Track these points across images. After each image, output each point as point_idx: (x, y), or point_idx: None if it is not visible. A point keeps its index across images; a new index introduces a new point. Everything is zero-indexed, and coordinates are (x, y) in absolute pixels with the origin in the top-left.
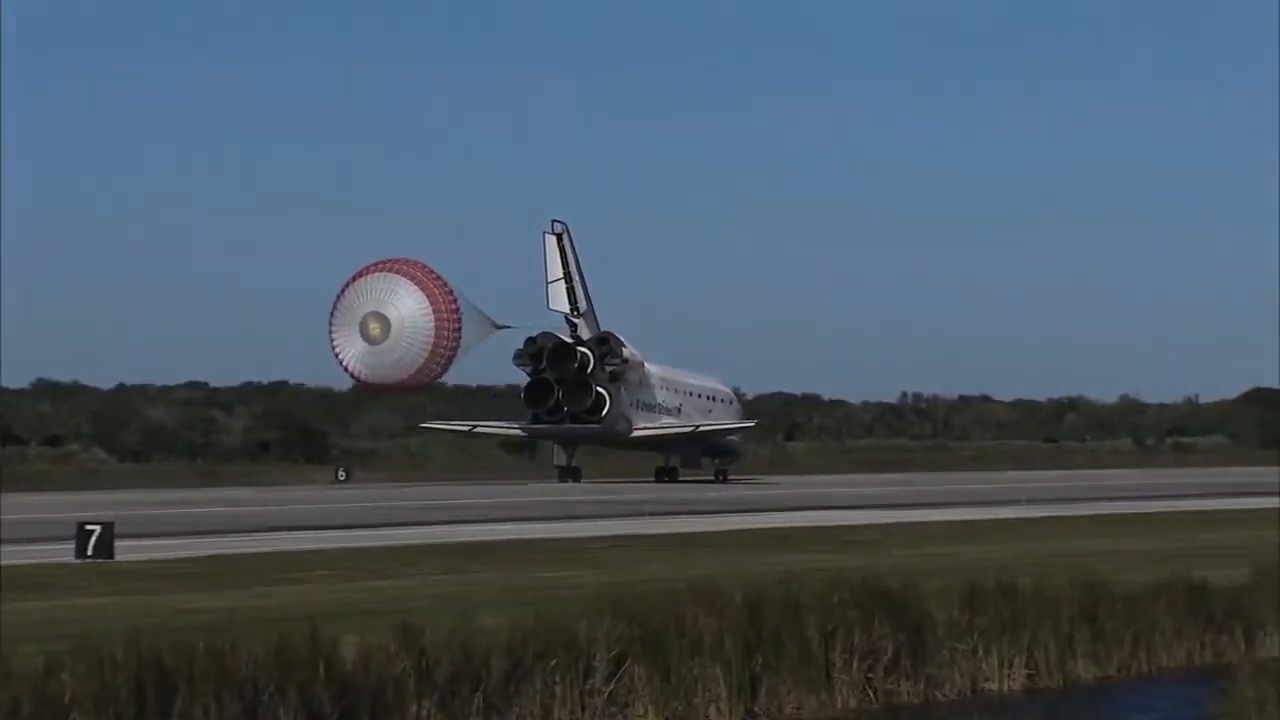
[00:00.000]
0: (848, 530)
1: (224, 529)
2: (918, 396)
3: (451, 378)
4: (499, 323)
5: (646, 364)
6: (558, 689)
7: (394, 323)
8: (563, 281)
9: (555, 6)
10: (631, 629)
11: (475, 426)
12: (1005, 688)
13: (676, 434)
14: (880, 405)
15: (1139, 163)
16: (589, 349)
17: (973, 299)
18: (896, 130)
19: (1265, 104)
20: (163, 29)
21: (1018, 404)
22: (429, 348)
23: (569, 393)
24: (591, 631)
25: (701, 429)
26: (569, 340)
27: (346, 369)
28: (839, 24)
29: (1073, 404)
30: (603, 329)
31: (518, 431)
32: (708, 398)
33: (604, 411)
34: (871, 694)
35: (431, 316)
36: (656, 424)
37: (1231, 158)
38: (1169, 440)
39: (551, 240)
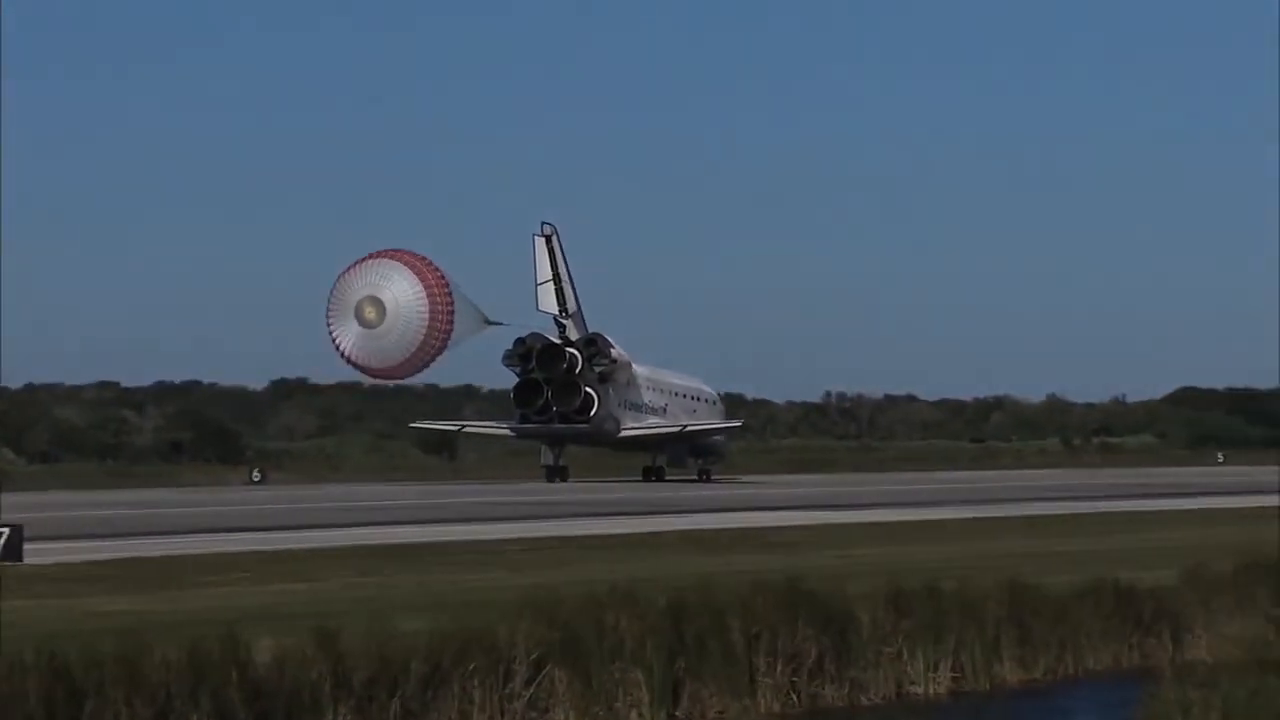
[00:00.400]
0: (773, 532)
1: (137, 531)
2: (842, 396)
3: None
4: (491, 319)
5: (634, 365)
6: (476, 694)
7: (389, 305)
8: (551, 283)
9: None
10: (551, 632)
11: (464, 426)
12: (931, 691)
13: (664, 434)
14: (805, 405)
15: (1062, 161)
16: (577, 350)
17: (898, 297)
18: (822, 127)
19: (1186, 105)
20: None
21: (943, 403)
22: (424, 330)
23: (558, 393)
24: (511, 635)
25: (689, 429)
26: (557, 341)
27: (345, 356)
28: (807, 39)
29: (999, 403)
30: (590, 330)
31: (506, 431)
32: (692, 398)
33: (592, 412)
34: (795, 697)
35: (425, 300)
36: (643, 424)
37: (1157, 158)
38: (1096, 440)
39: (541, 242)
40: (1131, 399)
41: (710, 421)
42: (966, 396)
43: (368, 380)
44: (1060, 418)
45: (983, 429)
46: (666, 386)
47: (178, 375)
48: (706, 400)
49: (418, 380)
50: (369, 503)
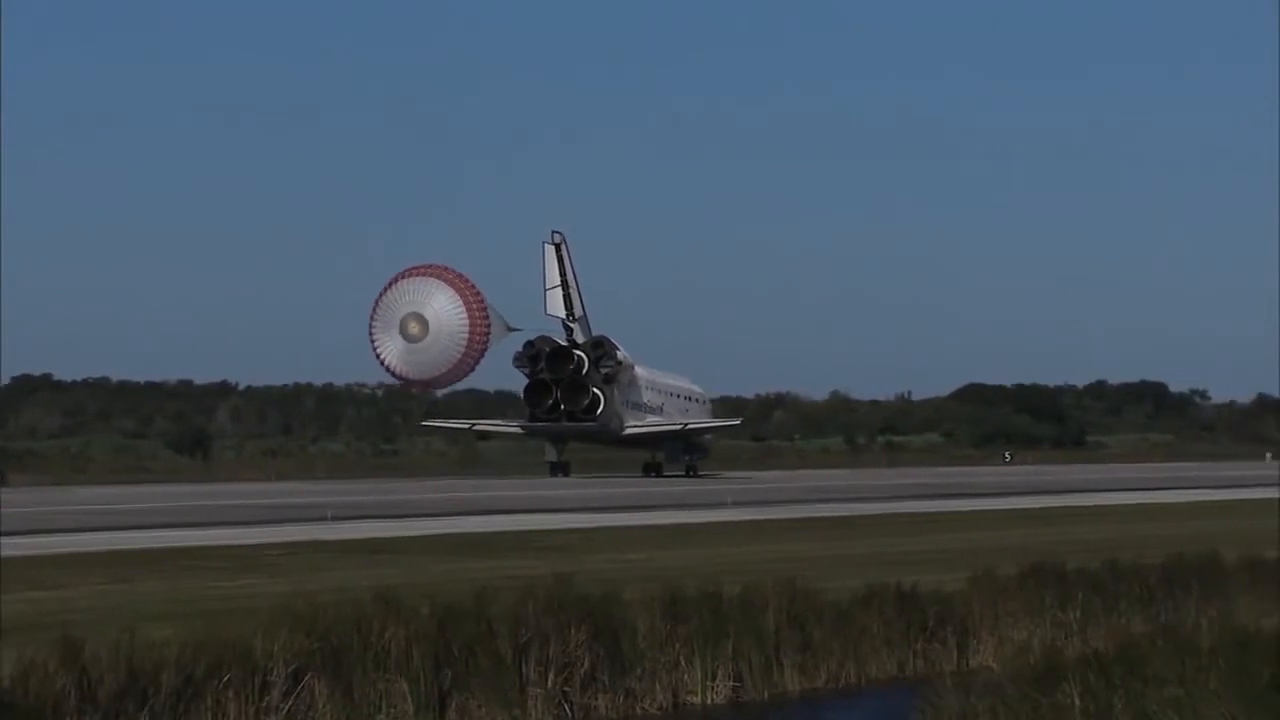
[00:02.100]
0: (547, 535)
1: None
2: None
3: (130, 373)
4: (511, 325)
5: (635, 366)
6: (231, 706)
7: (432, 321)
8: (560, 288)
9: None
10: (311, 642)
11: (474, 424)
12: (709, 700)
13: (665, 431)
14: None
15: (849, 156)
16: (584, 352)
17: (676, 287)
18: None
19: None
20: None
21: (723, 401)
22: (464, 345)
23: (567, 393)
24: (268, 645)
25: (689, 427)
26: (565, 344)
27: (388, 368)
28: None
29: (780, 401)
30: (595, 333)
31: (517, 429)
32: (685, 397)
33: (599, 411)
34: (568, 708)
35: (465, 316)
36: (644, 422)
37: (944, 149)
38: (881, 439)
39: (550, 250)
40: (917, 396)
41: (707, 420)
42: (747, 394)
43: (411, 389)
44: (844, 416)
45: (764, 427)
46: (663, 387)
47: None
48: (697, 400)
49: (172, 375)
50: (117, 505)
